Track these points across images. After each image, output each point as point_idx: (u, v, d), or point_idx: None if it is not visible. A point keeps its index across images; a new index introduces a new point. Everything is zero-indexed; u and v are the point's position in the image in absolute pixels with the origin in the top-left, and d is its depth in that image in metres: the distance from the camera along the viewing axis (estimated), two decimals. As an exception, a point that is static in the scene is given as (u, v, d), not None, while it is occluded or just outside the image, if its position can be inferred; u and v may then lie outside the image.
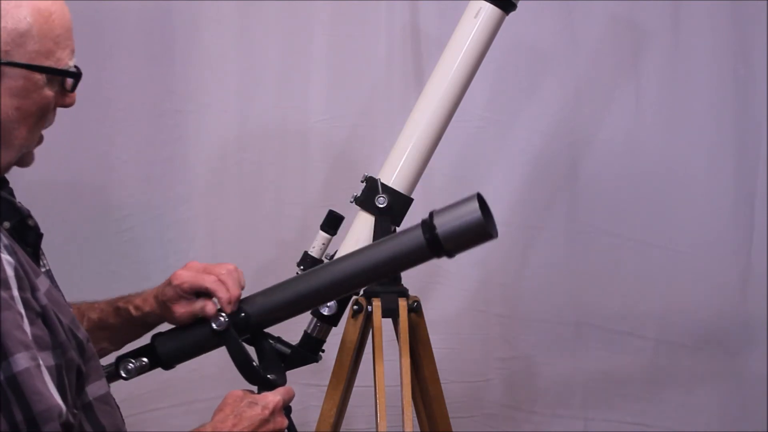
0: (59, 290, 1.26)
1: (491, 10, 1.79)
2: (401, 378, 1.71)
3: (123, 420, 1.25)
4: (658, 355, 2.54)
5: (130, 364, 1.37)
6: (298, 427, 1.44)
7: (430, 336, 1.84)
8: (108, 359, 1.41)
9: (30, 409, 1.02)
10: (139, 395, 2.23)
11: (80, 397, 1.15)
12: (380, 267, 1.32)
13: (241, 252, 2.41)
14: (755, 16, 2.49)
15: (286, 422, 1.30)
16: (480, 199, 1.26)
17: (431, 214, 1.27)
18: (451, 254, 1.28)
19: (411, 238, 1.29)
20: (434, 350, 1.84)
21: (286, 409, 1.31)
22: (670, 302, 2.53)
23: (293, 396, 1.33)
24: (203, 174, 2.39)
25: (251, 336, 1.37)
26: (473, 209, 1.24)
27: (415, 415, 1.85)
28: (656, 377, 2.54)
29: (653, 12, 2.48)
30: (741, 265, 2.54)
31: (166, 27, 2.35)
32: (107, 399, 1.20)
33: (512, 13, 1.82)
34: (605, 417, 2.54)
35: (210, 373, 2.25)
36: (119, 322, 1.43)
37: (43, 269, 1.24)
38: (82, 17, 2.24)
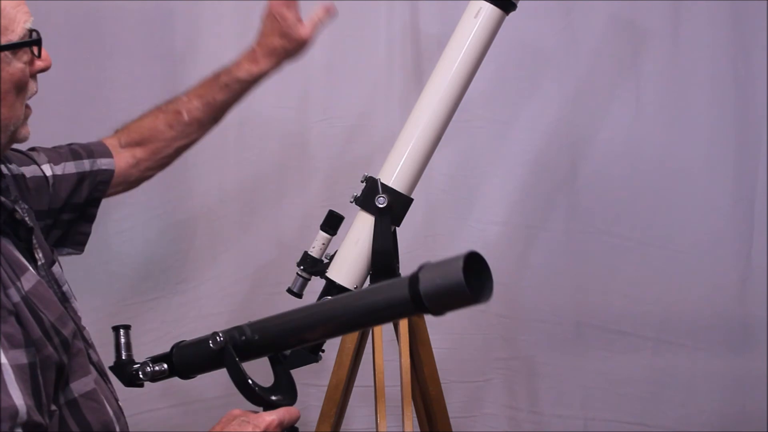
0: (56, 284, 1.26)
1: (491, 10, 1.79)
2: (401, 378, 1.71)
3: (121, 413, 1.25)
4: (658, 355, 2.54)
5: (149, 368, 1.37)
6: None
7: (430, 336, 1.84)
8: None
9: None
10: (139, 395, 2.22)
11: (64, 394, 1.15)
12: (369, 316, 1.28)
13: (241, 252, 2.41)
14: (755, 15, 2.49)
15: None
16: (473, 258, 1.14)
17: (420, 268, 1.18)
18: (436, 313, 1.18)
19: (398, 291, 1.20)
20: (434, 350, 1.85)
21: (290, 430, 1.29)
22: (670, 302, 2.53)
23: (296, 417, 1.29)
24: (203, 174, 2.39)
25: (269, 359, 1.37)
26: (456, 270, 1.12)
27: (415, 415, 1.85)
28: (656, 377, 2.54)
29: (653, 12, 2.48)
30: (741, 265, 2.54)
31: (166, 27, 2.35)
32: (93, 395, 1.19)
33: (512, 13, 1.82)
34: (605, 417, 2.54)
35: (210, 374, 2.25)
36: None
37: (40, 261, 1.23)
38: (83, 17, 2.27)
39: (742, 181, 2.53)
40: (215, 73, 1.69)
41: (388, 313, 1.27)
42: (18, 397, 1.03)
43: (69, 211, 1.52)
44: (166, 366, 1.37)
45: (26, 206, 1.35)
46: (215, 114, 1.71)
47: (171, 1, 2.34)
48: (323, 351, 1.79)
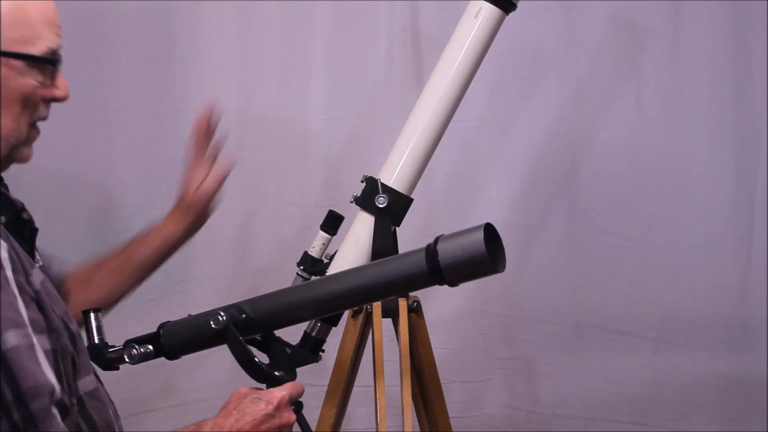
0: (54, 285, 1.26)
1: (491, 10, 1.78)
2: (401, 378, 1.71)
3: (117, 415, 1.25)
4: (658, 355, 2.54)
5: (134, 350, 1.37)
6: (297, 428, 1.44)
7: (430, 336, 1.84)
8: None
9: (18, 386, 1.01)
10: (139, 395, 2.23)
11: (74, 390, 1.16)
12: (384, 287, 1.29)
13: (241, 252, 2.41)
14: (755, 15, 2.49)
15: (293, 417, 1.28)
16: (488, 230, 1.19)
17: (437, 240, 1.22)
18: (452, 284, 1.23)
19: (414, 262, 1.24)
20: (434, 350, 1.84)
21: (296, 404, 1.30)
22: (670, 302, 2.53)
23: (302, 391, 1.31)
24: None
25: (260, 337, 1.37)
26: (477, 241, 1.17)
27: (415, 415, 1.85)
28: (656, 377, 2.54)
29: (653, 12, 2.48)
30: (741, 265, 2.54)
31: (166, 27, 2.35)
32: (97, 394, 1.20)
33: (512, 13, 1.82)
34: (605, 417, 2.54)
35: (210, 374, 2.25)
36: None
37: (37, 264, 1.24)
38: (83, 18, 2.27)
39: (742, 181, 2.53)
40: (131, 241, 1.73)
41: (403, 285, 1.28)
42: (52, 376, 1.05)
43: None
44: (151, 348, 1.37)
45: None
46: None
47: (171, 1, 2.34)
48: (323, 351, 1.79)
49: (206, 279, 2.41)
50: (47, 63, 1.17)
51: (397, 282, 1.27)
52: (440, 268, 1.20)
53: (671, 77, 2.51)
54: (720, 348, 2.54)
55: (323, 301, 1.33)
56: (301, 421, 1.31)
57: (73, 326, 1.17)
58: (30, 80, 1.15)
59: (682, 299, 2.53)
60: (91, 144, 2.33)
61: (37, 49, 1.15)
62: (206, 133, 1.74)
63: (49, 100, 1.21)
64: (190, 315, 1.41)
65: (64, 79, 1.21)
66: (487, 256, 1.17)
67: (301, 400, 1.32)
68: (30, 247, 1.22)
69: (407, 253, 1.27)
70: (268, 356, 1.36)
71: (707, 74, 2.52)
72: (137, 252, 1.68)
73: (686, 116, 2.52)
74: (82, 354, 1.20)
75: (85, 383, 1.19)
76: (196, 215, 1.73)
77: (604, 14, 2.49)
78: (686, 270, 2.52)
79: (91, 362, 1.28)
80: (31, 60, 1.15)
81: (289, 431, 1.28)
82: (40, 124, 1.22)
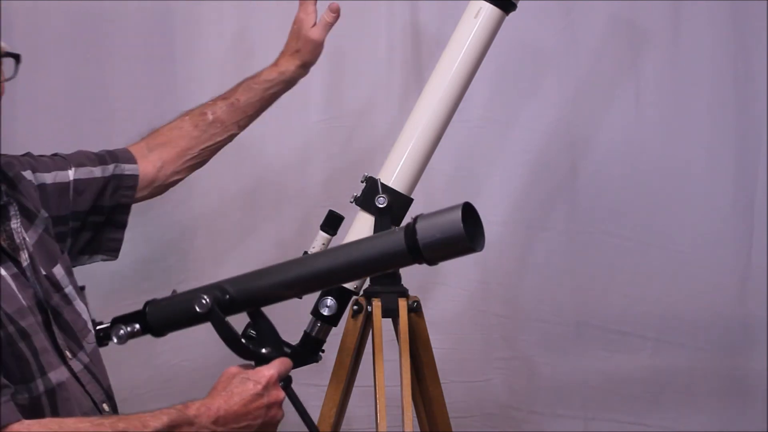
0: (56, 286, 1.28)
1: (491, 10, 1.79)
2: (401, 378, 1.71)
3: (102, 404, 1.27)
4: (658, 355, 2.54)
5: (122, 330, 1.38)
6: (297, 429, 1.44)
7: (430, 336, 1.84)
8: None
9: None
10: (139, 395, 2.23)
11: (42, 382, 1.18)
12: (363, 264, 1.31)
13: (241, 252, 2.41)
14: (755, 15, 2.49)
15: (282, 395, 1.29)
16: (467, 209, 1.22)
17: (415, 219, 1.25)
18: (431, 263, 1.26)
19: (394, 241, 1.26)
20: (434, 350, 1.84)
21: (285, 380, 1.31)
22: (670, 302, 2.53)
23: (290, 367, 1.32)
24: (203, 174, 2.39)
25: (248, 314, 1.38)
26: (455, 220, 1.20)
27: (415, 415, 1.85)
28: (656, 377, 2.54)
29: (653, 12, 2.48)
30: (741, 265, 2.54)
31: (166, 27, 2.34)
32: (65, 387, 1.22)
33: (512, 13, 1.82)
34: (605, 417, 2.54)
35: (210, 374, 2.23)
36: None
37: (25, 263, 1.26)
38: (83, 18, 2.26)
39: (742, 181, 2.53)
40: (246, 78, 1.82)
41: (382, 263, 1.30)
42: None
43: (96, 214, 1.58)
44: (138, 326, 1.39)
45: (46, 214, 1.37)
46: (238, 116, 1.82)
47: (171, 1, 2.34)
48: (323, 351, 1.79)
49: (206, 279, 2.38)
50: None
51: (376, 260, 1.29)
52: (419, 246, 1.22)
53: (671, 77, 2.51)
54: (720, 348, 2.54)
55: (305, 279, 1.34)
56: (291, 395, 1.32)
57: (24, 322, 1.20)
58: None
59: (682, 299, 2.53)
60: (91, 144, 2.32)
61: None
62: None
63: None
64: (174, 291, 1.42)
65: None
66: (465, 234, 1.19)
67: (290, 374, 1.32)
68: (9, 236, 1.24)
69: (387, 231, 1.30)
70: (255, 332, 1.37)
71: (707, 74, 2.51)
72: (251, 89, 1.81)
73: (686, 116, 2.52)
74: (41, 351, 1.22)
75: (55, 376, 1.21)
76: (307, 54, 1.84)
77: (604, 14, 2.49)
78: (686, 270, 2.52)
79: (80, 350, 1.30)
80: None
81: (278, 409, 1.29)
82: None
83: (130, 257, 2.36)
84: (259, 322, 1.37)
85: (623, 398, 2.54)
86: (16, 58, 1.28)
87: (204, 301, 1.32)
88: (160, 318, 1.40)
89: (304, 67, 1.85)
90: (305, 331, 1.77)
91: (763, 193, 2.51)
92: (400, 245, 1.25)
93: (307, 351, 1.74)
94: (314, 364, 1.73)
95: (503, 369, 2.52)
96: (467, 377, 2.49)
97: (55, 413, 1.21)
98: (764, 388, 2.50)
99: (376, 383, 1.72)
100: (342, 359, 1.80)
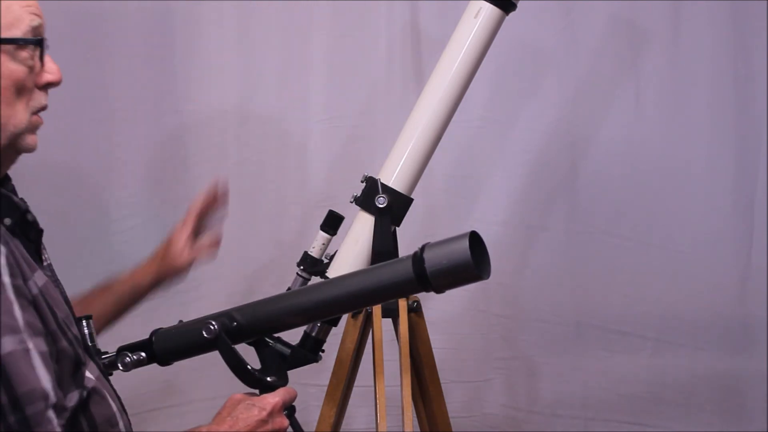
0: (59, 285, 1.27)
1: (491, 10, 1.79)
2: (401, 378, 1.71)
3: (124, 410, 1.26)
4: (658, 355, 2.54)
5: (128, 358, 1.38)
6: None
7: (430, 336, 1.84)
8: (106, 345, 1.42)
9: (14, 390, 1.03)
10: (139, 395, 2.23)
11: (81, 387, 1.16)
12: (371, 293, 1.31)
13: (241, 252, 2.41)
14: (755, 15, 2.50)
15: (286, 423, 1.30)
16: (474, 237, 1.22)
17: (422, 248, 1.25)
18: (438, 290, 1.26)
19: (401, 269, 1.26)
20: (434, 350, 1.84)
21: (288, 409, 1.31)
22: (670, 302, 2.53)
23: (295, 396, 1.33)
24: (203, 174, 2.39)
25: (252, 342, 1.38)
26: (463, 249, 1.20)
27: (415, 415, 1.85)
28: (656, 377, 2.54)
29: (653, 12, 2.48)
30: (741, 265, 2.54)
31: (166, 27, 2.35)
32: (97, 388, 1.21)
33: (512, 13, 1.82)
34: (605, 417, 2.54)
35: (210, 374, 2.25)
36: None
37: (45, 263, 1.24)
38: (83, 18, 2.27)
39: (742, 181, 2.53)
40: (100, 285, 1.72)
41: (390, 292, 1.30)
42: (46, 381, 1.06)
43: None
44: (144, 355, 1.38)
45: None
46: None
47: (171, 1, 2.34)
48: (323, 351, 1.79)
49: (206, 279, 2.41)
50: (32, 43, 1.17)
51: (384, 289, 1.29)
52: (427, 275, 1.23)
53: (671, 77, 2.51)
54: (720, 348, 2.54)
55: (312, 308, 1.34)
56: (294, 424, 1.32)
57: (74, 329, 1.18)
58: (20, 66, 1.16)
59: (682, 299, 2.53)
60: (91, 144, 2.33)
61: (20, 32, 1.16)
62: (209, 205, 1.75)
63: (43, 87, 1.21)
64: (181, 321, 1.42)
65: (53, 63, 1.22)
66: (472, 263, 1.20)
67: (294, 404, 1.33)
68: (36, 248, 1.22)
69: (394, 260, 1.29)
70: (261, 361, 1.37)
71: (707, 74, 2.52)
72: (103, 300, 1.68)
73: (686, 116, 2.52)
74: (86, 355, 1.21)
75: (92, 373, 1.20)
76: (168, 272, 1.71)
77: (604, 14, 2.49)
78: (686, 270, 2.53)
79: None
80: (16, 43, 1.15)
81: None
82: (43, 127, 1.23)
83: (130, 257, 2.36)
84: (265, 350, 1.38)
85: (623, 398, 2.54)
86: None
87: (212, 327, 1.33)
88: (167, 346, 1.40)
89: (160, 286, 1.72)
90: (305, 331, 1.77)
91: (763, 193, 2.51)
92: (408, 274, 1.25)
93: (307, 351, 1.74)
94: (314, 364, 1.73)
95: (503, 369, 2.52)
96: (467, 377, 2.49)
97: (88, 416, 1.19)
98: (764, 388, 2.50)
99: (376, 383, 1.72)
100: (342, 359, 1.80)
